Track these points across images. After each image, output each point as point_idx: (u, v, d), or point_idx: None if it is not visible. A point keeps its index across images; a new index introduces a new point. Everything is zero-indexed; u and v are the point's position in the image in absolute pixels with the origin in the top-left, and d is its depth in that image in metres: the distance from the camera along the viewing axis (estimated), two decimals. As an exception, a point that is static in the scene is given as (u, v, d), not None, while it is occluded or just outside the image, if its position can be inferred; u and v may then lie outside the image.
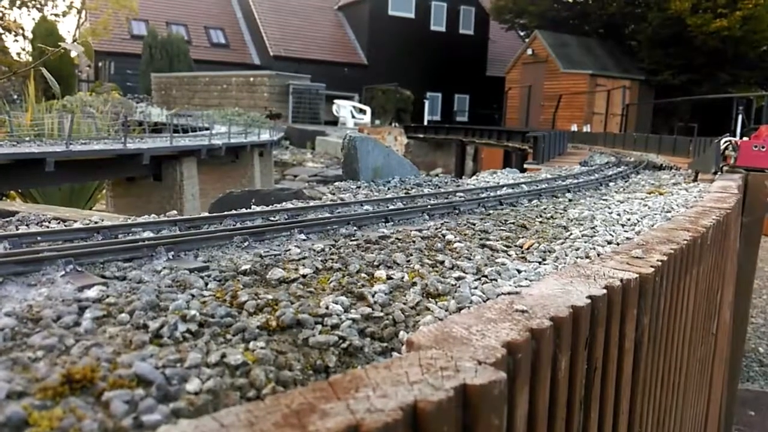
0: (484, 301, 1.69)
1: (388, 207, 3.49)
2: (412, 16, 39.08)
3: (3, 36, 29.98)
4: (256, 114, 27.58)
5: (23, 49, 31.57)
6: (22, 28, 31.25)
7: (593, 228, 2.94)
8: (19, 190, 10.52)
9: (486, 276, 2.04)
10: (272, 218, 2.95)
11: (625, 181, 5.90)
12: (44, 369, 1.15)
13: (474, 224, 3.08)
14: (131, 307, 1.51)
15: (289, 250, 2.30)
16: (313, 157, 24.82)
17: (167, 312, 1.50)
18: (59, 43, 4.39)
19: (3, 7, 30.20)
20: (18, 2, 30.84)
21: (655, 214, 3.36)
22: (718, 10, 27.33)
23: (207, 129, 16.62)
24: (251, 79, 32.46)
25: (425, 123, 33.12)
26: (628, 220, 3.17)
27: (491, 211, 3.64)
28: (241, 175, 15.64)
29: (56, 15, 32.05)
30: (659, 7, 29.31)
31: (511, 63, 34.47)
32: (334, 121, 31.82)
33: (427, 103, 36.09)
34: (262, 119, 25.31)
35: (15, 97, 21.34)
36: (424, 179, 5.91)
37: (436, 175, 7.10)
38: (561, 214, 3.56)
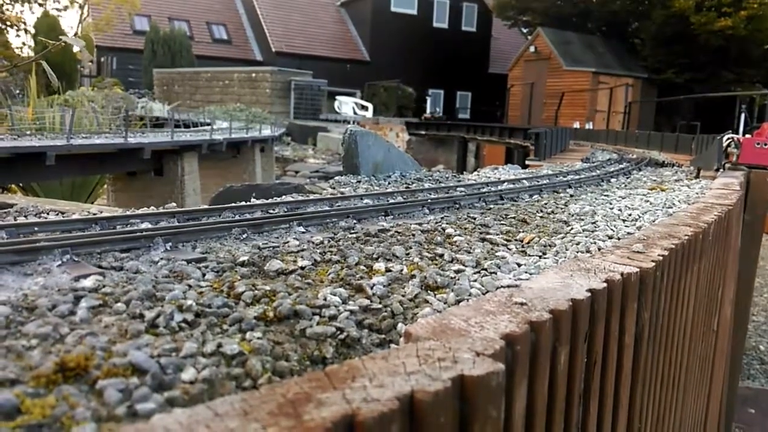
0: (484, 294, 1.68)
1: (388, 201, 3.48)
2: (414, 12, 39.00)
3: (5, 30, 29.97)
4: (258, 110, 27.57)
5: (24, 44, 31.54)
6: (24, 23, 31.23)
7: (594, 223, 2.93)
8: (20, 184, 10.52)
9: (485, 269, 2.03)
10: (271, 211, 2.94)
11: (627, 178, 5.88)
12: (38, 357, 1.14)
13: (474, 218, 3.07)
14: (127, 296, 1.50)
15: (288, 242, 2.29)
16: (314, 153, 24.82)
17: (164, 302, 1.49)
18: (60, 37, 4.37)
19: (5, 1, 30.19)
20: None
21: (657, 209, 3.35)
22: (723, 9, 27.24)
23: (208, 124, 16.61)
24: (253, 75, 32.44)
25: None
26: (630, 215, 3.16)
27: (492, 206, 3.63)
28: (242, 170, 15.63)
29: (58, 9, 32.04)
30: (663, 5, 29.22)
31: (514, 60, 34.41)
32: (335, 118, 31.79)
33: (429, 100, 36.04)
34: (263, 115, 25.28)
35: (17, 91, 21.32)
36: (424, 174, 5.89)
37: (438, 171, 7.08)
38: (562, 209, 3.54)
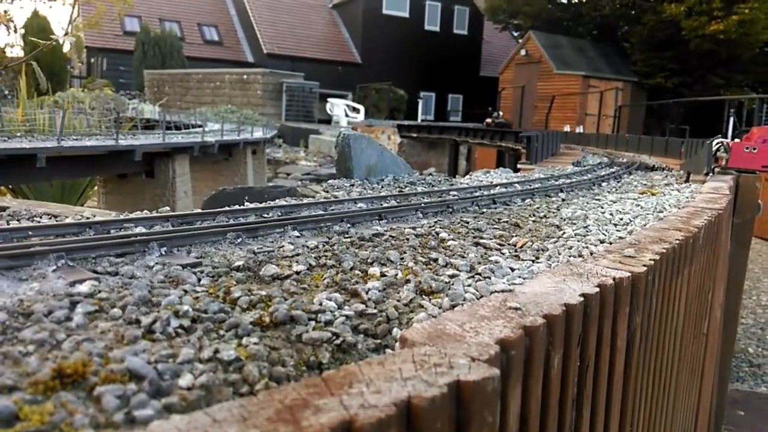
0: (478, 299, 1.69)
1: (381, 205, 3.48)
2: (406, 15, 39.11)
3: (-6, 30, 29.71)
4: (249, 112, 27.52)
5: (14, 44, 31.26)
6: (13, 22, 30.94)
7: (586, 227, 2.95)
8: (10, 186, 10.45)
9: (479, 274, 2.04)
10: (265, 215, 2.94)
11: (618, 182, 5.92)
12: (35, 363, 1.14)
13: (467, 222, 3.08)
14: (123, 302, 1.50)
15: (283, 246, 2.29)
16: (306, 156, 24.80)
17: (160, 307, 1.49)
18: (50, 36, 4.36)
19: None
20: (9, -4, 30.55)
21: (648, 214, 3.37)
22: (714, 13, 27.44)
23: (200, 126, 16.57)
24: (244, 76, 32.38)
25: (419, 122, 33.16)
26: (621, 219, 3.18)
27: (484, 210, 3.64)
28: (234, 172, 15.60)
29: (47, 2, 31.74)
30: (654, 10, 29.43)
31: (505, 63, 34.54)
32: (327, 120, 31.80)
33: (420, 103, 36.10)
34: (255, 117, 25.23)
35: (6, 92, 21.17)
36: (417, 178, 5.91)
37: (430, 174, 7.10)
38: (554, 213, 3.56)
